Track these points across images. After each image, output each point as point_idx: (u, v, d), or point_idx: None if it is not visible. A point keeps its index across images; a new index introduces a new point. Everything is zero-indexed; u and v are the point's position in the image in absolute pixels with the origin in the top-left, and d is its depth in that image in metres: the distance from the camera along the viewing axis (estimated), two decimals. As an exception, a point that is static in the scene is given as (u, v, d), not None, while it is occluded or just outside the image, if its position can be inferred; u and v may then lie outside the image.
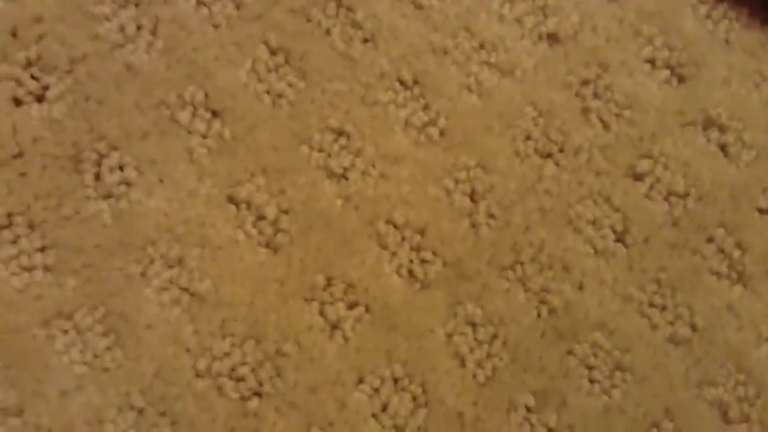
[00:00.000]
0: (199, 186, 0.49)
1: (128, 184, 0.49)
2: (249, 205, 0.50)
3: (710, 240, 0.54)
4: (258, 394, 0.47)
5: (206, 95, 0.51)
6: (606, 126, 0.55)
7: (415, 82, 0.53)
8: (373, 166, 0.52)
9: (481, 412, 0.48)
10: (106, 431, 0.44)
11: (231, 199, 0.50)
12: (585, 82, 0.55)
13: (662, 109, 0.55)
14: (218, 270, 0.48)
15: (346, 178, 0.51)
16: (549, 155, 0.54)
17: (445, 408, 0.48)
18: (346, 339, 0.48)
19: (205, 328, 0.47)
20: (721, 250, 0.54)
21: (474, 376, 0.49)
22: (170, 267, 0.48)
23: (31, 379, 0.45)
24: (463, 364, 0.49)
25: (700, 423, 0.50)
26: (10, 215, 0.47)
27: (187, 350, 0.47)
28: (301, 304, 0.49)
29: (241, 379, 0.47)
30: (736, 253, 0.53)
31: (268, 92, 0.52)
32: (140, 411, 0.45)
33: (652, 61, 0.56)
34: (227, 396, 0.46)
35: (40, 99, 0.49)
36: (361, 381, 0.48)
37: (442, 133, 0.53)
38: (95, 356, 0.46)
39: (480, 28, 0.55)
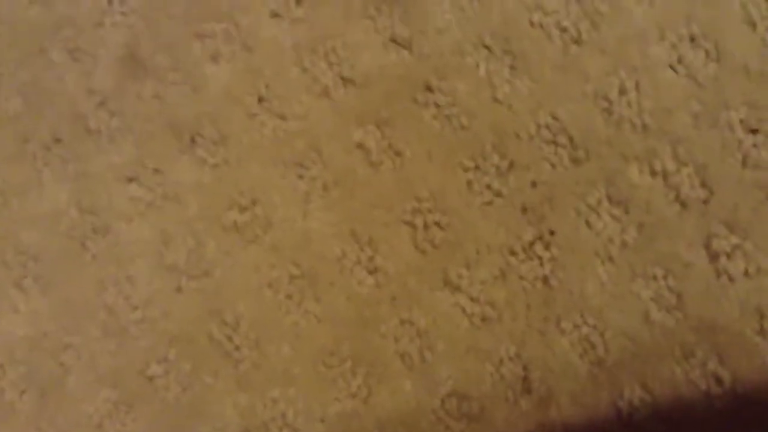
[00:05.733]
0: None
1: None
2: None
3: None
4: (577, 42, 0.60)
5: None
6: None
7: None
8: None
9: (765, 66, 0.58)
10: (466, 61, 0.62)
11: None
12: None
13: None
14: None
15: None
16: None
17: (733, 61, 0.58)
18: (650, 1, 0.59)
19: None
20: None
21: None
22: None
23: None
24: (754, 29, 0.58)
25: None
26: None
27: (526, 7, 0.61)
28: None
29: (564, 30, 0.60)
30: None
31: None
32: (489, 48, 0.61)
33: None
34: (554, 42, 0.60)
35: None
36: (662, 37, 0.59)
37: None
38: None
39: None
